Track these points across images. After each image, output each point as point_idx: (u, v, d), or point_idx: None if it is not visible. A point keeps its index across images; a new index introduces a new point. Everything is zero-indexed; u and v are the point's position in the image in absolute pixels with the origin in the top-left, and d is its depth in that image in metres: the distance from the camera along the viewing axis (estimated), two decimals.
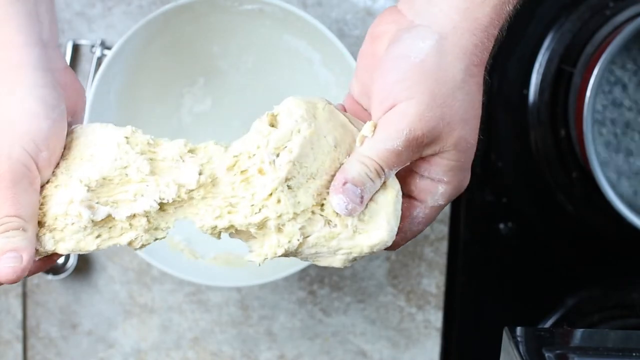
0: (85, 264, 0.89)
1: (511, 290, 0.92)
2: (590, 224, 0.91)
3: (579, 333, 0.71)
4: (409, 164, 0.57)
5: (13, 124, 0.56)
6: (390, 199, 0.58)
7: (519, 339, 0.65)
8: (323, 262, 0.59)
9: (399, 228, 0.59)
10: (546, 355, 0.63)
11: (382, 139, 0.56)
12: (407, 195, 0.59)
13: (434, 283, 0.90)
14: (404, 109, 0.55)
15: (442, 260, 0.90)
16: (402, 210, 0.59)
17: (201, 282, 0.80)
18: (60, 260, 0.87)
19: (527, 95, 0.90)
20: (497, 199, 0.90)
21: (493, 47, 0.58)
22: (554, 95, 0.89)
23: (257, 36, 0.81)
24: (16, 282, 0.56)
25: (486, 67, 0.58)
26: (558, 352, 0.63)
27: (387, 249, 0.59)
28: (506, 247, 0.91)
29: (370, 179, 0.56)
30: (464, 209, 0.90)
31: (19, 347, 0.90)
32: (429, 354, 0.91)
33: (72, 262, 0.87)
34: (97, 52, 0.85)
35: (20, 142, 0.56)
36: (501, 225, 0.91)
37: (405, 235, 0.60)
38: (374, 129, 0.56)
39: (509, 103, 0.90)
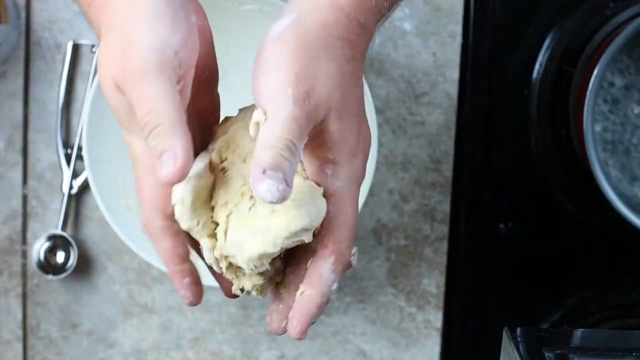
0: (85, 264, 0.89)
1: (511, 290, 0.92)
2: (590, 224, 0.91)
3: (579, 333, 0.71)
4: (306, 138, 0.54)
5: (143, 20, 0.53)
6: (307, 184, 0.55)
7: (519, 339, 0.65)
8: (241, 256, 0.55)
9: (327, 230, 0.56)
10: (546, 355, 0.63)
11: (275, 112, 0.53)
12: None
13: (434, 283, 0.90)
14: (278, 76, 0.54)
15: (442, 260, 0.90)
16: None
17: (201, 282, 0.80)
18: (60, 260, 0.87)
19: (527, 95, 0.90)
20: (497, 199, 0.90)
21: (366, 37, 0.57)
22: (554, 95, 0.89)
23: (257, 36, 0.81)
24: (178, 181, 0.52)
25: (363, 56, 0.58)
26: (558, 352, 0.63)
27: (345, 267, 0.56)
28: (506, 247, 0.91)
29: (286, 158, 0.52)
30: (464, 209, 0.90)
31: (19, 347, 0.90)
32: (429, 354, 0.91)
33: (72, 262, 0.87)
34: (98, 52, 0.85)
35: (151, 34, 0.53)
36: (501, 225, 0.91)
37: (337, 237, 0.56)
38: (264, 112, 0.54)
39: (509, 103, 0.90)
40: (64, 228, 0.87)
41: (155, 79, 0.52)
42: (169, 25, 0.54)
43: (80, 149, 0.86)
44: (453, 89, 0.88)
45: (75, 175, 0.87)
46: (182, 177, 0.52)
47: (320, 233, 0.56)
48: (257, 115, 0.54)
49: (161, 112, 0.52)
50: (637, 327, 0.91)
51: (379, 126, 0.88)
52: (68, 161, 0.87)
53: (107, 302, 0.90)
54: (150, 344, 0.91)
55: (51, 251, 0.87)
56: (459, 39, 0.88)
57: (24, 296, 0.90)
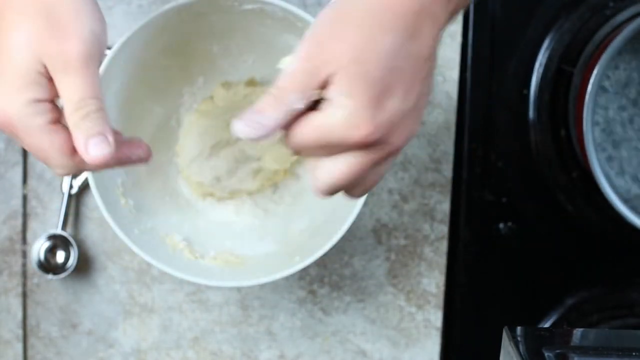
0: (85, 264, 0.89)
1: (511, 290, 0.92)
2: (590, 223, 0.91)
3: (578, 333, 0.71)
4: (314, 94, 0.57)
5: (79, 11, 0.58)
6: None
7: (518, 338, 0.65)
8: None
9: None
10: (546, 354, 0.63)
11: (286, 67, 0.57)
12: None
13: (433, 283, 0.91)
14: (306, 34, 0.57)
15: (442, 259, 0.90)
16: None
17: (201, 282, 0.80)
18: (61, 260, 0.88)
19: (527, 95, 0.90)
20: (497, 198, 0.90)
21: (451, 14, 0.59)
22: (554, 95, 0.89)
23: (257, 35, 0.81)
24: (105, 167, 0.58)
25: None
26: (558, 351, 0.63)
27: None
28: (506, 247, 0.91)
29: (269, 104, 0.56)
30: (464, 209, 0.90)
31: (19, 346, 0.91)
32: (428, 353, 0.92)
33: (72, 262, 0.87)
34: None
35: (88, 25, 0.58)
36: (501, 225, 0.91)
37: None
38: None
39: (509, 103, 0.90)
40: (64, 228, 0.87)
41: (94, 69, 0.58)
42: (98, 21, 0.59)
43: None
44: (453, 89, 0.88)
45: (75, 175, 0.87)
46: (108, 162, 0.57)
47: None
48: (284, 60, 0.58)
49: (99, 100, 0.57)
50: (637, 326, 0.91)
51: None
52: None
53: (107, 302, 0.90)
54: (150, 343, 0.91)
55: (51, 251, 0.87)
56: (459, 39, 0.88)
57: (24, 296, 0.90)
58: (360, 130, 0.56)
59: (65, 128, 0.58)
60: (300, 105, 0.56)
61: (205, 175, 0.81)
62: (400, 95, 0.57)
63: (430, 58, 0.58)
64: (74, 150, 0.58)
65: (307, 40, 0.57)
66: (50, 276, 0.87)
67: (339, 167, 0.58)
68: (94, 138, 0.56)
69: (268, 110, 0.56)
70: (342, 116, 0.56)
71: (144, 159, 0.62)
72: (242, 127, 0.56)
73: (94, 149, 0.56)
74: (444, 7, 0.58)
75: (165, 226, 0.82)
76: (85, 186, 0.87)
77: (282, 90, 0.56)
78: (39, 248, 0.87)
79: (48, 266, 0.88)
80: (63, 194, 0.87)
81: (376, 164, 0.58)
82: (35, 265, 0.87)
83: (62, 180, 0.87)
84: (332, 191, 0.59)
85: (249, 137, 0.56)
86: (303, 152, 0.59)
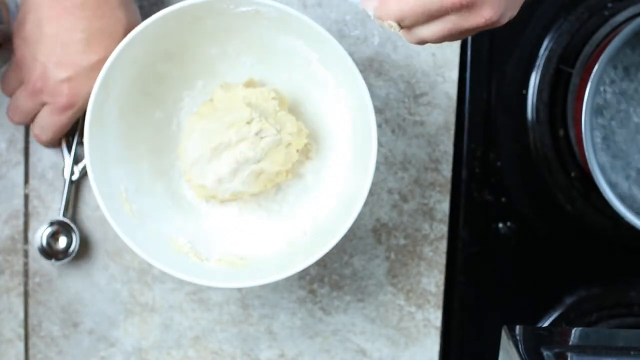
0: (86, 263, 0.90)
1: (510, 289, 0.92)
2: (589, 223, 0.91)
3: (577, 332, 0.72)
4: None
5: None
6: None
7: (517, 337, 0.65)
8: None
9: None
10: (544, 353, 0.63)
11: None
12: None
13: (433, 282, 0.91)
14: None
15: (441, 259, 0.91)
16: None
17: (206, 283, 0.80)
18: (62, 246, 0.88)
19: (526, 96, 0.90)
20: (496, 198, 0.91)
21: None
22: (553, 96, 0.89)
23: (255, 37, 0.81)
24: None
25: None
26: (556, 350, 0.64)
27: None
28: (505, 247, 0.91)
29: None
30: (463, 209, 0.91)
31: (20, 345, 0.91)
32: (428, 352, 0.92)
33: (74, 247, 0.87)
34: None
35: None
36: (500, 225, 0.91)
37: None
38: None
39: (508, 103, 0.90)
40: (65, 214, 0.87)
41: None
42: None
43: (81, 135, 0.86)
44: (452, 89, 0.89)
45: (76, 161, 0.87)
46: None
47: None
48: None
49: None
50: (635, 325, 0.91)
51: (379, 126, 0.88)
52: (69, 150, 0.87)
53: (108, 301, 0.91)
54: (151, 342, 0.91)
55: (53, 236, 0.88)
56: None
57: (26, 295, 0.90)
58: None
59: None
60: None
61: (208, 178, 0.81)
62: None
63: None
64: None
65: None
66: (52, 261, 0.87)
67: (433, 28, 0.61)
68: None
69: None
70: None
71: None
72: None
73: None
74: None
75: (170, 229, 0.82)
76: (84, 173, 0.87)
77: None
78: (41, 234, 0.87)
79: (50, 252, 0.88)
80: (65, 179, 0.87)
81: (464, 33, 0.61)
82: (37, 251, 0.87)
83: (63, 168, 0.87)
84: (417, 39, 0.63)
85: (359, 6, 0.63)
86: (405, 20, 0.61)
